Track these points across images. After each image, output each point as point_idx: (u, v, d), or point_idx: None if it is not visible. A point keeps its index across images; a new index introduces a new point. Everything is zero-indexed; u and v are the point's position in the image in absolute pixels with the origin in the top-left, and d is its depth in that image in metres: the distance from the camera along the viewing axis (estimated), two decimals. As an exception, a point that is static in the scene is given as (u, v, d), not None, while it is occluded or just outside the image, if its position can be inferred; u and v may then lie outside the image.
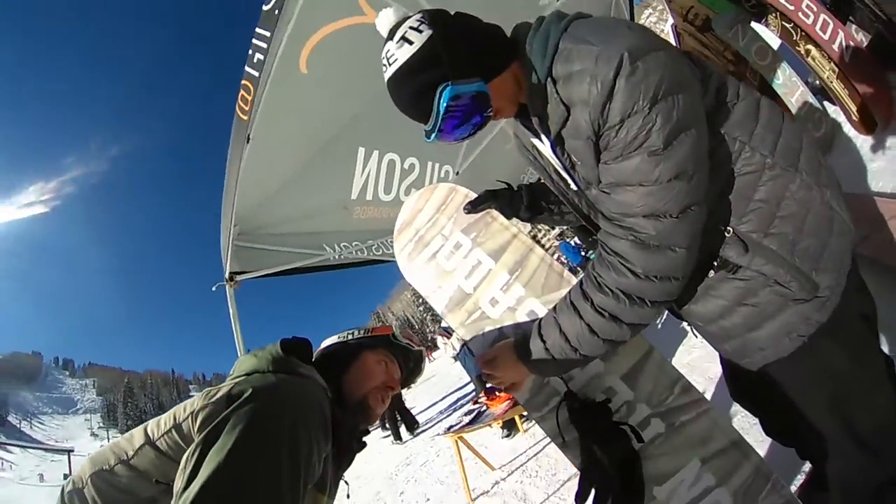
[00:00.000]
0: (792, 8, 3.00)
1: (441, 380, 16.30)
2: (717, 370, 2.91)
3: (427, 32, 0.91)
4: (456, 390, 11.68)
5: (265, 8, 2.26)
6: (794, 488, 1.27)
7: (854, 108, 3.04)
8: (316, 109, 2.87)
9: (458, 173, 4.17)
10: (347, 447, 1.10)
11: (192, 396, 1.16)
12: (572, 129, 0.90)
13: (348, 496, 1.23)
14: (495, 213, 1.31)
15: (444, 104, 0.90)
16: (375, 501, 5.46)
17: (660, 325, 4.44)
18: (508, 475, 3.93)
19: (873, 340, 1.01)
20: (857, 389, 0.96)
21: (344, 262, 3.76)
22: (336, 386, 1.12)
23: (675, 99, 0.81)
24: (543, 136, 1.03)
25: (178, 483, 0.75)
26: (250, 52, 2.37)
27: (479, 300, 1.27)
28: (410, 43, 0.91)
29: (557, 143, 0.97)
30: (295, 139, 2.91)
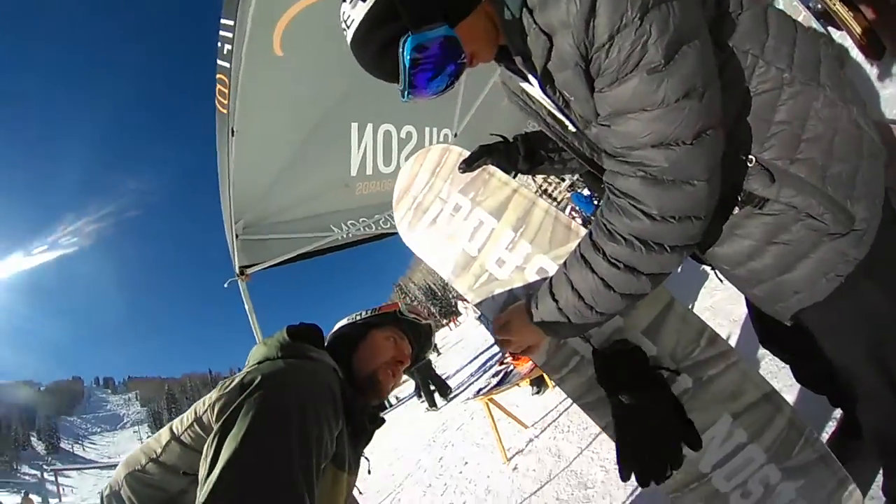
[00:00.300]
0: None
1: (468, 343, 16.54)
2: (741, 311, 2.84)
3: None
4: (483, 352, 11.80)
5: None
6: (825, 437, 1.20)
7: (860, 32, 2.81)
8: (299, 91, 2.76)
9: (456, 135, 4.04)
10: (362, 424, 1.12)
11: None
12: (558, 60, 0.79)
13: (369, 472, 1.29)
14: (492, 169, 1.21)
15: (409, 57, 0.81)
16: (417, 470, 5.58)
17: (679, 268, 4.36)
18: (541, 432, 3.97)
19: None
20: None
21: (353, 240, 3.73)
22: (347, 365, 1.16)
23: (670, 6, 0.69)
24: (531, 77, 0.92)
25: (202, 470, 0.79)
26: (219, 44, 2.26)
27: (485, 262, 1.19)
28: (364, 0, 0.83)
29: (546, 81, 0.85)
30: (282, 124, 2.82)
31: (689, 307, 3.63)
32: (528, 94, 1.04)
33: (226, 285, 2.87)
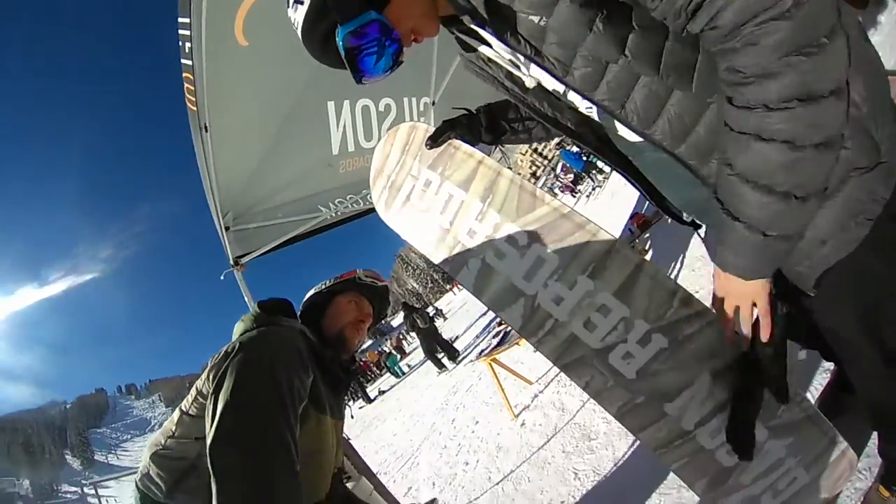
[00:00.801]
0: None
1: (472, 306, 16.72)
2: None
3: None
4: (485, 313, 11.94)
5: None
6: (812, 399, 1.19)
7: None
8: (270, 77, 2.70)
9: (434, 102, 3.98)
10: (336, 375, 1.32)
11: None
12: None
13: (352, 416, 1.45)
14: (457, 142, 1.21)
15: (344, 47, 0.87)
16: (432, 433, 5.75)
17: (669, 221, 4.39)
18: (545, 387, 4.08)
19: None
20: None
21: (343, 218, 3.72)
22: (318, 327, 1.39)
23: None
24: (487, 35, 0.91)
25: (207, 426, 0.97)
26: (179, 43, 2.22)
27: (458, 233, 1.20)
28: (301, 3, 0.89)
29: (501, 31, 0.85)
30: (257, 113, 2.78)
31: (681, 257, 3.67)
32: (483, 58, 1.03)
33: (222, 277, 2.89)
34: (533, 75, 0.97)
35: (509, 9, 0.82)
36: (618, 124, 0.92)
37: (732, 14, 0.62)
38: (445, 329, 16.96)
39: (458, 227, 1.20)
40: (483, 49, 0.99)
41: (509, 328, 4.29)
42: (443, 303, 52.39)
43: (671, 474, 1.95)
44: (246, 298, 2.88)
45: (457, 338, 14.27)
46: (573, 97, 0.95)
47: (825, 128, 0.65)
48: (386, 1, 0.86)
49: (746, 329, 0.86)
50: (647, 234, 6.60)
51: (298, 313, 1.44)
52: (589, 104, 0.92)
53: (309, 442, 1.11)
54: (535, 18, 0.81)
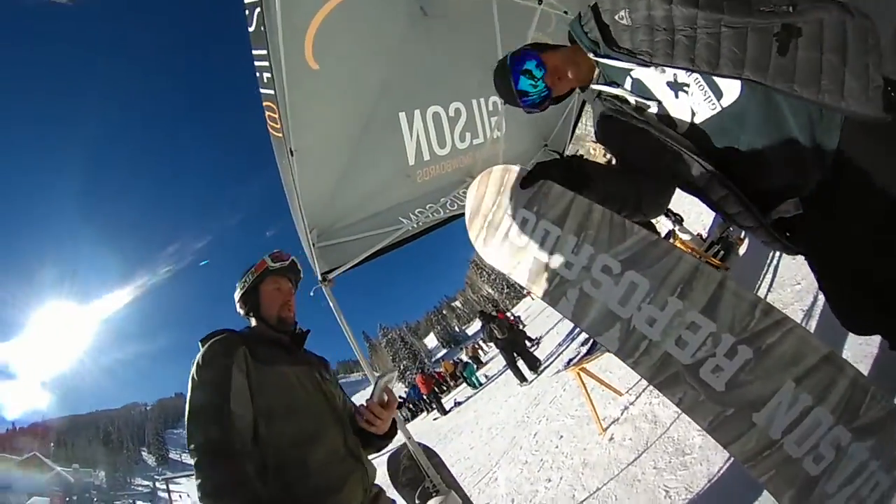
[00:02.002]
0: None
1: (552, 312, 16.51)
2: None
3: None
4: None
5: (251, 30, 2.41)
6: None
7: None
8: (340, 97, 3.04)
9: (505, 103, 4.16)
10: (287, 345, 1.81)
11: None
12: None
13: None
14: (549, 182, 1.44)
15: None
16: (512, 447, 5.91)
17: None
18: (636, 398, 4.11)
19: None
20: None
21: (424, 228, 4.02)
22: (262, 318, 1.85)
23: None
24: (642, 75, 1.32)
25: None
26: (257, 74, 2.55)
27: (556, 266, 1.43)
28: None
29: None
30: (334, 132, 3.12)
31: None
32: (636, 109, 1.37)
33: (311, 293, 3.24)
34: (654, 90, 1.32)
35: (613, 25, 1.31)
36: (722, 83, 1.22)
37: None
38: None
39: (556, 260, 1.43)
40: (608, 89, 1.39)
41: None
42: (520, 308, 52.04)
43: (764, 493, 2.05)
44: (335, 312, 3.24)
45: (540, 338, 14.31)
46: (682, 77, 1.27)
47: None
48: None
49: None
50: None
51: (243, 311, 1.91)
52: (696, 76, 1.25)
53: (279, 389, 1.60)
54: (622, 16, 1.30)
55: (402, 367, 74.21)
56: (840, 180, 1.18)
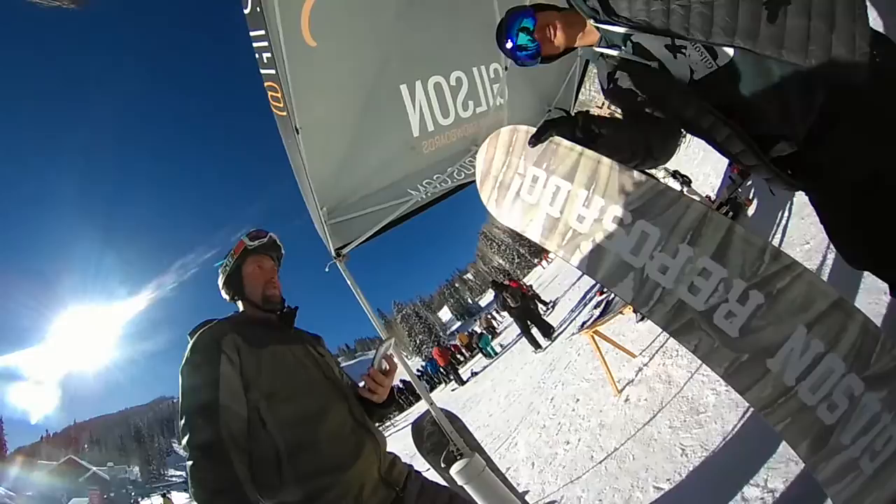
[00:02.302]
0: None
1: (564, 277, 16.61)
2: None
3: None
4: (577, 284, 11.87)
5: (246, 12, 2.39)
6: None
7: None
8: (342, 72, 3.02)
9: (506, 68, 4.12)
10: (276, 322, 1.80)
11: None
12: None
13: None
14: (558, 139, 1.45)
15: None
16: (529, 413, 6.02)
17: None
18: (650, 359, 4.17)
19: None
20: None
21: (434, 198, 4.02)
22: (248, 300, 1.83)
23: None
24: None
25: None
26: (256, 55, 2.54)
27: (568, 220, 1.45)
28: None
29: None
30: (337, 109, 3.10)
31: (788, 204, 3.58)
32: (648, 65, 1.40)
33: (326, 269, 3.30)
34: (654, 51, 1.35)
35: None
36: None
37: None
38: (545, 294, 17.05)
39: (568, 214, 1.45)
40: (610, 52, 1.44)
41: (612, 296, 4.42)
42: (532, 277, 52.23)
43: (780, 448, 2.11)
44: (352, 286, 3.29)
45: (556, 301, 14.37)
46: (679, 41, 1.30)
47: None
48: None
49: None
50: (750, 182, 6.40)
51: (228, 295, 1.88)
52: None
53: (277, 370, 1.58)
54: None
55: (418, 342, 74.91)
56: (829, 130, 1.23)
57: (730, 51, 1.26)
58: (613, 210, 1.36)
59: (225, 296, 1.89)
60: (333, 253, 3.28)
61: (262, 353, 1.57)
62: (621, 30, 1.38)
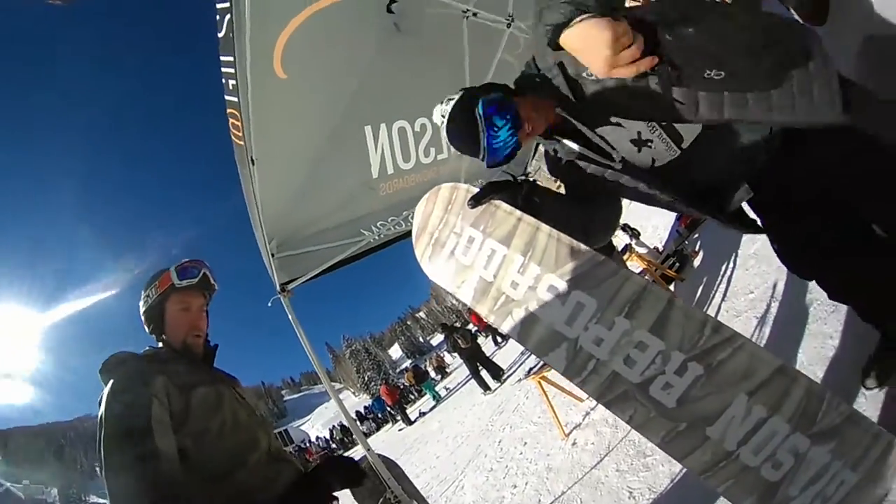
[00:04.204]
0: None
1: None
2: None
3: None
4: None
5: (220, 35, 2.35)
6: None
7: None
8: (308, 107, 2.97)
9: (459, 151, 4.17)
10: (199, 363, 1.60)
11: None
12: None
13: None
14: (498, 202, 1.40)
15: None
16: (477, 456, 5.85)
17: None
18: (596, 404, 4.05)
19: None
20: None
21: (386, 241, 3.92)
22: (165, 341, 1.61)
23: None
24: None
25: None
26: (223, 80, 2.49)
27: (501, 286, 1.38)
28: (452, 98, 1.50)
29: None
30: (298, 142, 3.04)
31: (733, 256, 3.66)
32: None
33: (269, 304, 3.16)
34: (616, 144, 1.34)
35: (581, 81, 1.26)
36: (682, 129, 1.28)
37: None
38: (487, 342, 17.06)
39: (502, 279, 1.39)
40: (572, 145, 1.36)
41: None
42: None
43: None
44: (293, 323, 3.14)
45: (497, 354, 14.37)
46: (645, 133, 1.30)
47: None
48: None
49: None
50: (697, 235, 6.57)
51: (147, 328, 1.65)
52: (658, 131, 1.29)
53: (207, 412, 1.44)
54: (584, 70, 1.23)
55: (366, 379, 72.72)
56: (786, 162, 1.28)
57: (697, 130, 1.26)
58: (549, 279, 1.32)
59: (145, 327, 1.67)
60: (278, 287, 3.15)
61: (191, 395, 1.44)
62: (583, 128, 1.33)
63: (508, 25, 3.81)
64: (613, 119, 1.31)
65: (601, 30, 1.01)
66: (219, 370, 1.70)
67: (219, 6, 2.26)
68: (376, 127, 3.51)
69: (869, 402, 1.71)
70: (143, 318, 1.67)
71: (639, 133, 1.31)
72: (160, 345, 1.64)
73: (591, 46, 1.04)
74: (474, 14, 3.45)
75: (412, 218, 3.83)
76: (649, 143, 1.32)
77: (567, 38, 1.07)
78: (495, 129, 1.25)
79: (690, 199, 1.34)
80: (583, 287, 1.27)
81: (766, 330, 3.03)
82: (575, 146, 1.37)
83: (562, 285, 1.29)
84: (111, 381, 1.40)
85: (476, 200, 1.40)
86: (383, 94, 3.40)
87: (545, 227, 1.33)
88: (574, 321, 1.27)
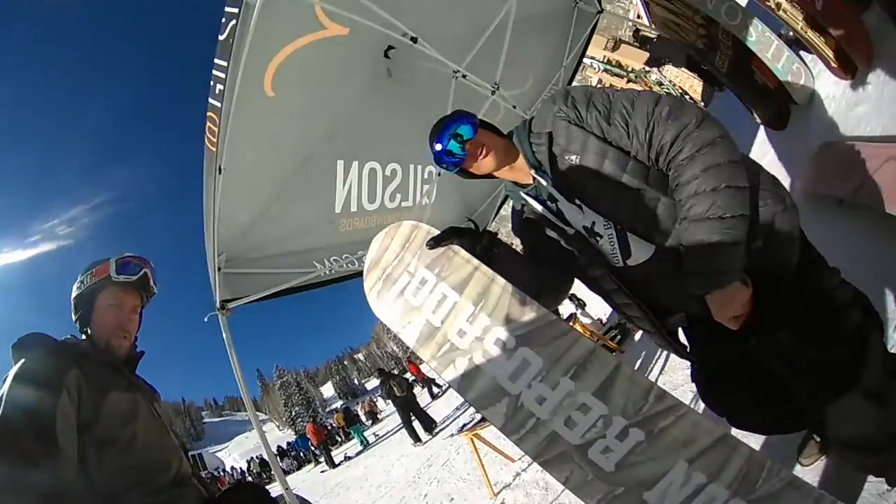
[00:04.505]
0: (760, -39, 2.94)
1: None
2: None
3: None
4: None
5: (220, 38, 2.33)
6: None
7: (831, 54, 3.03)
8: (288, 129, 2.94)
9: (440, 174, 4.20)
10: (120, 367, 1.43)
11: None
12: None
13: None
14: (456, 247, 1.38)
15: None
16: (400, 508, 5.57)
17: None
18: (528, 465, 4.01)
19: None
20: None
21: (336, 277, 3.82)
22: (89, 335, 1.46)
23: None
24: (548, 186, 1.37)
25: None
26: (211, 83, 2.43)
27: (448, 333, 1.33)
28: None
29: (559, 177, 1.35)
30: (269, 162, 2.98)
31: None
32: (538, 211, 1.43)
33: (206, 319, 2.94)
34: (572, 222, 1.37)
35: (560, 157, 1.30)
36: (634, 245, 1.30)
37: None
38: (423, 396, 16.66)
39: (449, 326, 1.34)
40: (535, 205, 1.41)
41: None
42: (424, 368, 51.28)
43: None
44: (227, 345, 2.94)
45: (431, 406, 14.02)
46: (599, 227, 1.32)
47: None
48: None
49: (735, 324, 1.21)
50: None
51: (74, 316, 1.50)
52: (611, 233, 1.31)
53: (117, 420, 1.29)
54: (572, 158, 1.27)
55: (293, 413, 68.71)
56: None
57: (649, 252, 1.29)
58: (498, 332, 1.28)
59: (72, 313, 1.51)
60: (218, 304, 2.96)
61: (103, 398, 1.29)
62: (555, 193, 1.36)
63: (493, 93, 3.98)
64: (577, 201, 1.33)
65: (740, 300, 1.18)
66: (140, 379, 1.53)
67: (227, 10, 2.23)
68: (349, 163, 3.51)
69: (810, 470, 1.75)
70: (72, 303, 1.51)
71: (593, 223, 1.34)
72: (83, 337, 1.47)
73: (730, 307, 1.19)
74: (464, 76, 3.58)
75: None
76: (598, 238, 1.34)
77: (716, 298, 1.20)
78: (449, 134, 1.39)
79: (627, 302, 1.38)
80: (531, 344, 1.24)
81: (702, 404, 3.13)
82: (538, 207, 1.42)
83: (510, 340, 1.26)
84: (21, 361, 1.26)
85: (435, 242, 1.37)
86: (362, 132, 3.43)
87: (500, 280, 1.31)
88: (518, 377, 1.23)
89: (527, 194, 1.44)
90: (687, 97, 10.02)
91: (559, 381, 1.19)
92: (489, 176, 1.47)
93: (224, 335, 2.96)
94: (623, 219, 1.28)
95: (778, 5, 3.12)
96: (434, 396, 16.21)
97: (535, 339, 1.24)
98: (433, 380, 16.68)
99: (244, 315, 3.12)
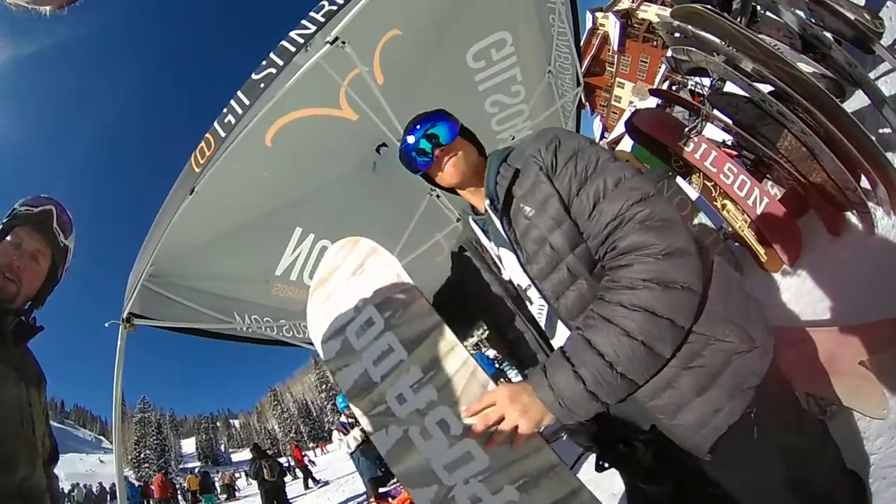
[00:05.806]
0: (714, 170, 3.14)
1: (331, 478, 14.09)
2: None
3: None
4: (349, 499, 9.88)
5: (254, 76, 2.31)
6: None
7: (762, 252, 3.12)
8: (268, 180, 2.86)
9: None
10: (3, 334, 1.04)
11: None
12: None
13: None
14: (419, 293, 1.13)
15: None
16: None
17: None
18: None
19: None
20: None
21: (250, 337, 3.44)
22: None
23: None
24: (497, 222, 1.13)
25: None
26: (224, 110, 2.36)
27: (386, 393, 1.07)
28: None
29: (507, 218, 1.08)
30: (238, 202, 2.84)
31: None
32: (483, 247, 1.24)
33: (106, 325, 2.48)
34: (507, 270, 1.15)
35: (516, 202, 1.04)
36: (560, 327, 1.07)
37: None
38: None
39: (389, 387, 1.07)
40: (481, 237, 1.21)
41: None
42: (308, 455, 45.06)
43: None
44: (117, 361, 2.49)
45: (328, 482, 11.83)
46: (531, 293, 1.09)
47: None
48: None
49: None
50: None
51: None
52: (541, 304, 1.08)
53: None
54: (527, 209, 1.02)
55: (142, 456, 57.49)
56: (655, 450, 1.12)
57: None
58: (444, 413, 1.01)
59: None
60: (125, 315, 2.50)
61: None
62: (503, 233, 1.12)
63: (457, 220, 4.03)
64: (518, 253, 1.09)
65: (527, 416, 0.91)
66: (27, 355, 1.15)
67: (272, 56, 2.26)
68: (305, 233, 3.36)
69: None
70: None
71: (529, 286, 1.11)
72: None
73: (520, 412, 0.91)
74: (437, 196, 3.63)
75: (286, 331, 3.47)
76: (529, 302, 1.14)
77: (499, 394, 0.95)
78: (425, 131, 1.17)
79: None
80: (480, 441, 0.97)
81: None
82: (483, 240, 1.22)
83: (457, 426, 0.99)
84: None
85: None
86: (329, 210, 3.36)
87: (462, 353, 1.05)
88: (456, 469, 0.98)
89: (475, 222, 1.23)
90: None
91: (502, 488, 0.95)
92: (452, 191, 1.23)
93: (118, 347, 2.48)
94: (548, 296, 1.04)
95: (724, 206, 3.27)
96: (308, 488, 13.62)
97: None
98: (311, 473, 14.25)
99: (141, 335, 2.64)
